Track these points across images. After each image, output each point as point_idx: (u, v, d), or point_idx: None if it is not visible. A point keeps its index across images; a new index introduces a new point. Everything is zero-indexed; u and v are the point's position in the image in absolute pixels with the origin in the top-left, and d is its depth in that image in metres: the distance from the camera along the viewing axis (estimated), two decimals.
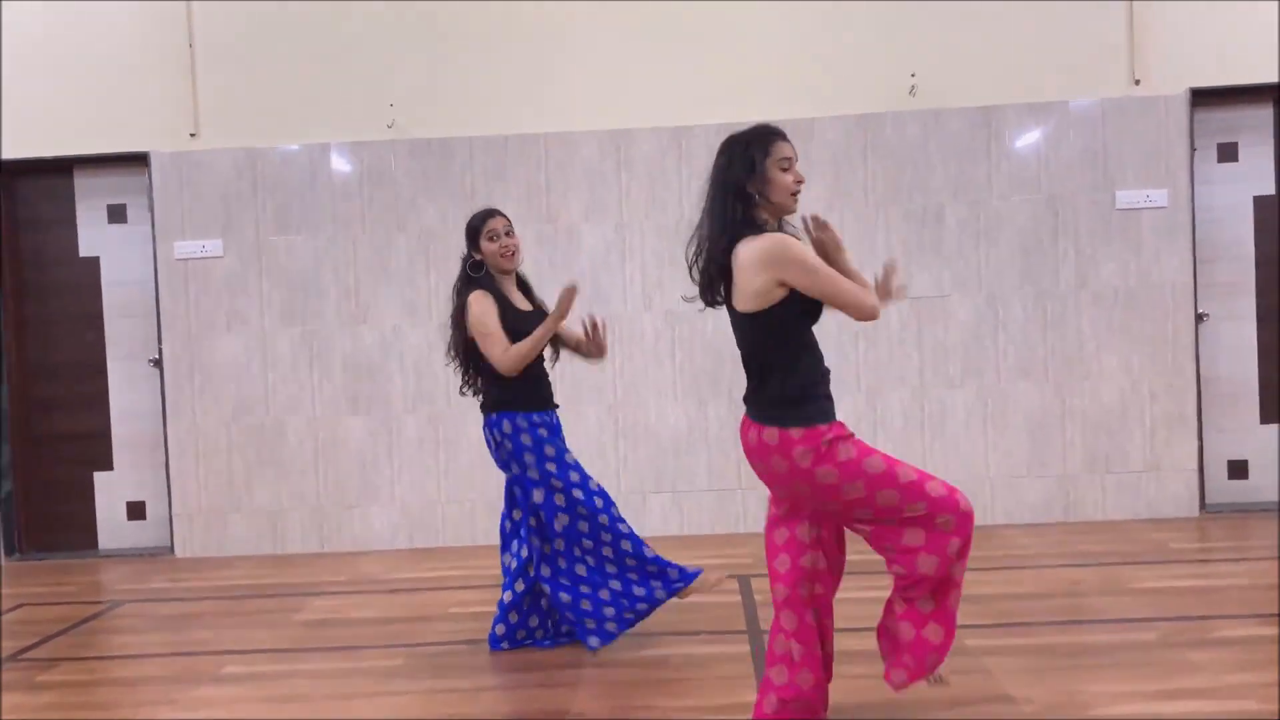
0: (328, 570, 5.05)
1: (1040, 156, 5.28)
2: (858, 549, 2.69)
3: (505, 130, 5.42)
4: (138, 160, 5.53)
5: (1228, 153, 5.36)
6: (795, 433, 2.44)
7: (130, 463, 5.74)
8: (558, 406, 3.62)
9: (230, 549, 5.52)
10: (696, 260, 2.61)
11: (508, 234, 3.53)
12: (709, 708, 2.98)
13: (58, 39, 5.46)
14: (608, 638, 3.42)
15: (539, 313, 3.57)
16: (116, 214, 5.69)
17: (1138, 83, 5.24)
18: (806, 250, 2.47)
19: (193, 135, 5.48)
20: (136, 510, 5.75)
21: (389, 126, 5.42)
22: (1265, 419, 5.40)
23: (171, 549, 5.58)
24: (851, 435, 2.49)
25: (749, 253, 2.45)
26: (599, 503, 3.48)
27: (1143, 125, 5.23)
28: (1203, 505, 5.29)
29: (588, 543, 3.47)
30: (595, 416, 5.41)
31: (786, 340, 2.52)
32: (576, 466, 3.52)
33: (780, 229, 2.58)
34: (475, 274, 3.52)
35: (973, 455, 5.35)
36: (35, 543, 5.73)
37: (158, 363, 5.56)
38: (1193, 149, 5.22)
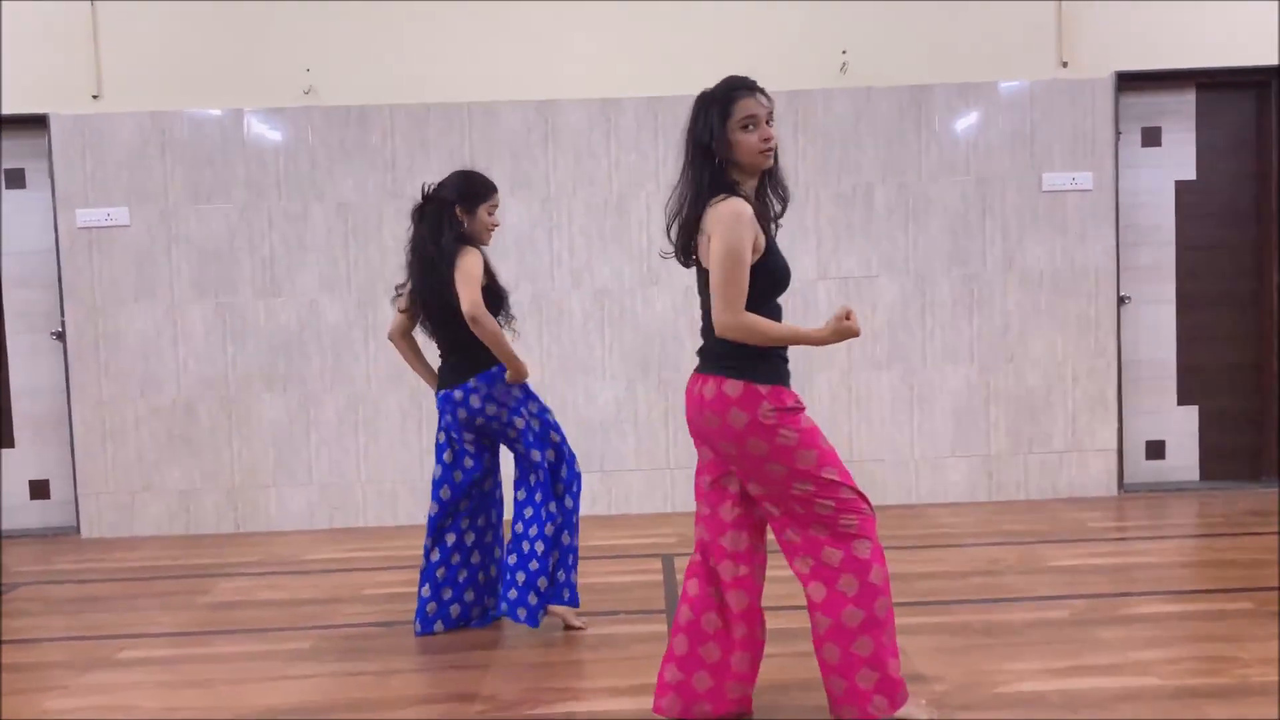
0: (240, 551, 4.88)
1: (969, 138, 5.28)
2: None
3: (427, 99, 5.26)
4: (36, 123, 5.25)
5: (1151, 137, 5.42)
6: (763, 388, 2.39)
7: (32, 440, 5.48)
8: None
9: (140, 529, 5.32)
10: (675, 218, 2.54)
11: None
12: (624, 688, 2.92)
13: None
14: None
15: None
16: (14, 179, 5.40)
17: (1065, 65, 5.26)
18: (743, 232, 2.37)
19: (95, 97, 5.22)
20: (40, 489, 5.51)
21: (305, 92, 5.23)
22: (1183, 400, 5.50)
23: (78, 529, 5.35)
24: (793, 408, 2.45)
25: (710, 216, 2.41)
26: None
27: (1069, 108, 5.26)
28: (1121, 485, 5.38)
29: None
30: None
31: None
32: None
33: (767, 185, 2.54)
34: (459, 242, 3.30)
35: (898, 437, 5.36)
36: None
37: (60, 336, 5.31)
38: (1118, 133, 5.26)
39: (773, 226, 2.55)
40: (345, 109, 5.23)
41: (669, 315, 5.24)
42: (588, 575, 4.05)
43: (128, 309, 5.27)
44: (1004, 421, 5.36)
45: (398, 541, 4.92)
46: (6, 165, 5.39)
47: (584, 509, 5.21)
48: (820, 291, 5.31)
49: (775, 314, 2.51)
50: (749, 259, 2.38)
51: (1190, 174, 5.43)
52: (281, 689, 3.04)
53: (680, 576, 4.03)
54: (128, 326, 5.28)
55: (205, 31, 5.21)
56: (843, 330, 2.40)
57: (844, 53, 5.24)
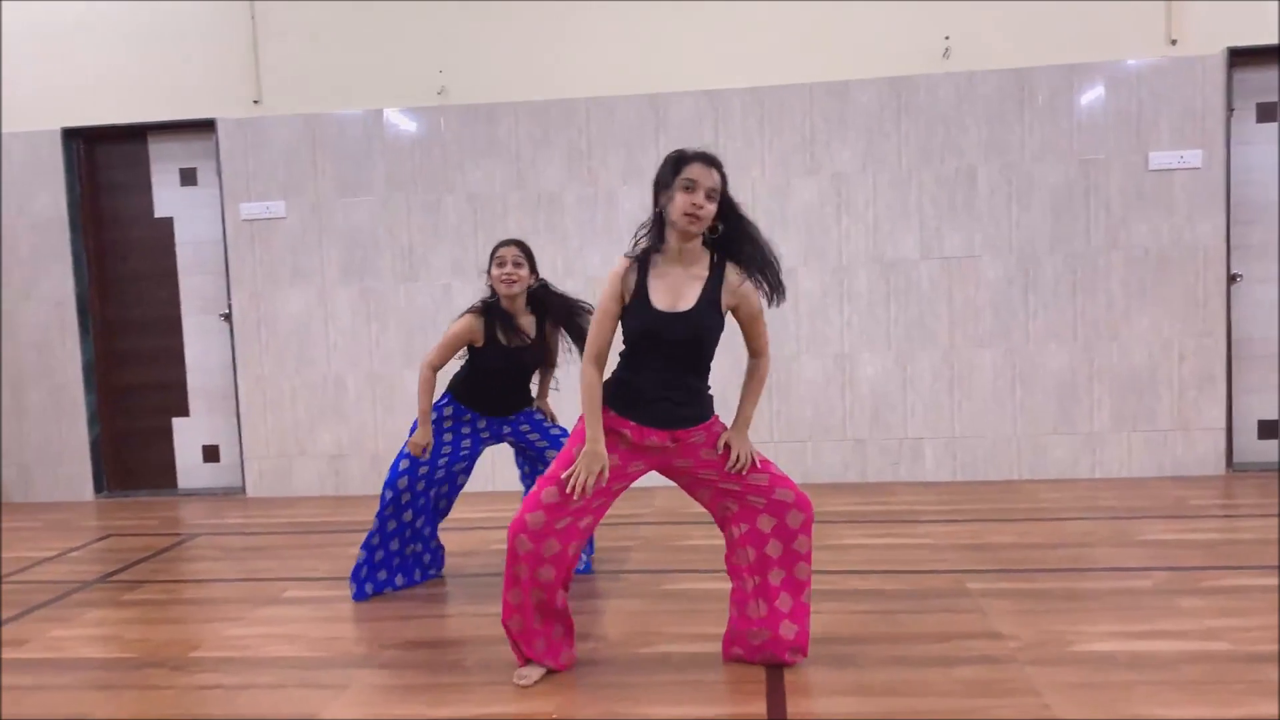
0: None
1: (1073, 118, 5.33)
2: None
3: (548, 95, 5.65)
4: (206, 126, 5.89)
5: (1267, 112, 5.34)
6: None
7: (205, 410, 6.18)
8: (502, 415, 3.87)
9: (296, 490, 5.95)
10: None
11: (516, 264, 3.63)
12: (706, 635, 3.23)
13: (131, 14, 5.83)
14: None
15: (528, 349, 3.72)
16: (188, 177, 6.08)
17: (1174, 43, 5.24)
18: (606, 289, 2.79)
19: (256, 102, 5.82)
20: (211, 453, 6.21)
21: (439, 93, 5.69)
22: None
23: (243, 489, 6.02)
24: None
25: None
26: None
27: (1178, 86, 5.24)
28: (1230, 464, 5.36)
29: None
30: None
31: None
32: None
33: (710, 251, 2.82)
34: (488, 300, 3.71)
35: (1000, 414, 5.49)
36: (120, 483, 6.24)
37: (227, 317, 5.97)
38: (1230, 109, 5.22)
39: (753, 284, 2.84)
40: (474, 107, 5.68)
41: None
42: (671, 539, 4.43)
43: (284, 293, 5.88)
44: (1108, 400, 5.42)
45: (514, 504, 5.36)
46: (181, 165, 6.06)
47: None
48: (924, 270, 5.47)
49: (649, 361, 2.80)
50: (607, 313, 2.80)
51: None
52: (424, 625, 3.50)
53: None
54: (284, 308, 5.89)
55: (349, 40, 5.73)
56: (585, 457, 2.76)
57: (946, 38, 5.36)
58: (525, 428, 3.88)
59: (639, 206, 5.59)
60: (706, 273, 2.80)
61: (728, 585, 3.03)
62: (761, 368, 2.98)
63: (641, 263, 2.81)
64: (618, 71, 5.60)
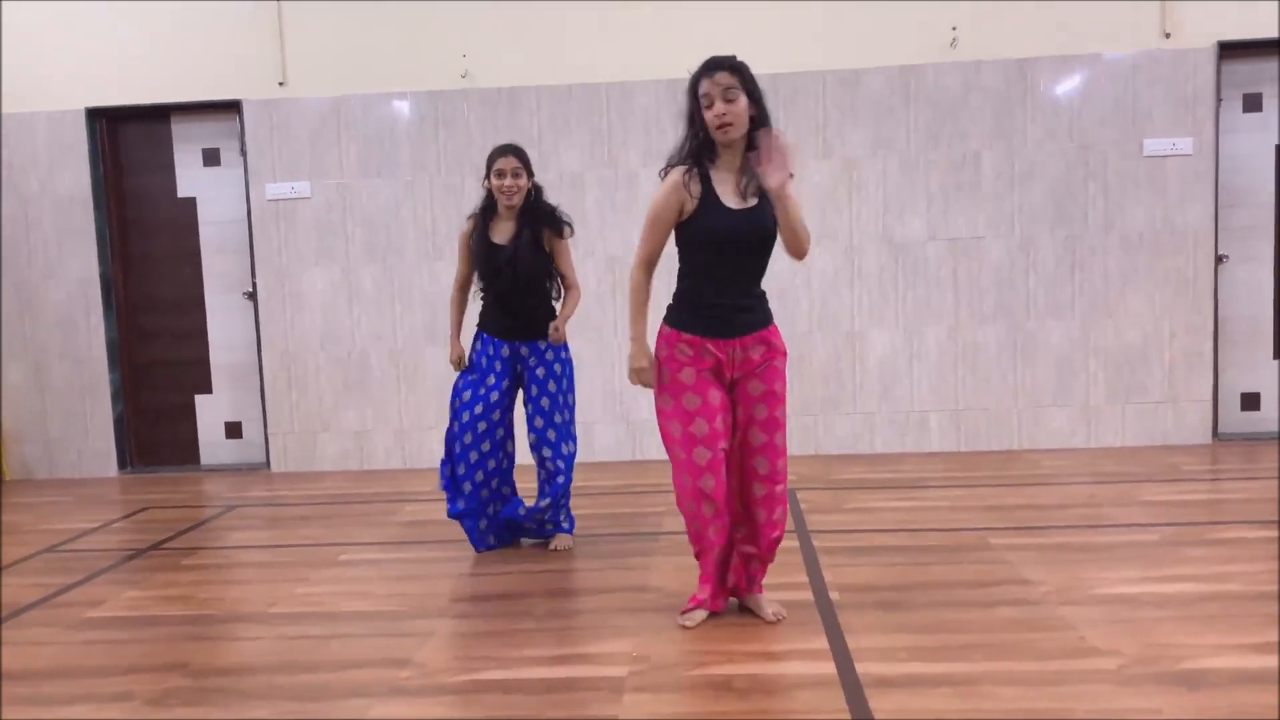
0: (412, 483, 5.60)
1: (1073, 106, 5.62)
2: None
3: (569, 80, 5.83)
4: (230, 107, 6.00)
5: (1252, 103, 5.67)
6: (664, 328, 3.01)
7: (227, 387, 6.30)
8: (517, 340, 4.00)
9: (321, 465, 6.10)
10: None
11: (514, 174, 3.84)
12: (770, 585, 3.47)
13: None
14: None
15: (513, 244, 3.86)
16: (211, 157, 6.18)
17: (1168, 36, 5.54)
18: (660, 198, 2.88)
19: (281, 84, 5.94)
20: (234, 430, 6.34)
21: (462, 76, 5.85)
22: (1278, 354, 5.78)
23: (267, 464, 6.16)
24: (676, 355, 2.97)
25: None
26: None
27: (1172, 77, 5.54)
28: (1215, 434, 5.71)
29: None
30: None
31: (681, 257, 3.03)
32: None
33: (750, 153, 2.88)
34: (485, 203, 3.97)
35: (1002, 386, 5.78)
36: (144, 458, 6.35)
37: (252, 295, 6.09)
38: (1219, 100, 5.53)
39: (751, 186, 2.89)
40: (497, 90, 5.84)
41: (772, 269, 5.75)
42: None
43: (309, 272, 6.01)
44: (1103, 374, 5.73)
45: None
46: (204, 145, 6.16)
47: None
48: (930, 251, 5.74)
49: (710, 267, 2.92)
50: (661, 221, 2.90)
51: None
52: (484, 581, 3.70)
53: (804, 508, 4.58)
54: (309, 287, 6.02)
55: (375, 23, 5.87)
56: (633, 370, 3.01)
57: (954, 29, 5.61)
58: (530, 357, 3.96)
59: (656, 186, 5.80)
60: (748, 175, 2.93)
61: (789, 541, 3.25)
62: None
63: (700, 170, 2.89)
64: (638, 57, 5.79)
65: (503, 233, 3.93)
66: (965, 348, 5.79)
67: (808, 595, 3.34)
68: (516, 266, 3.85)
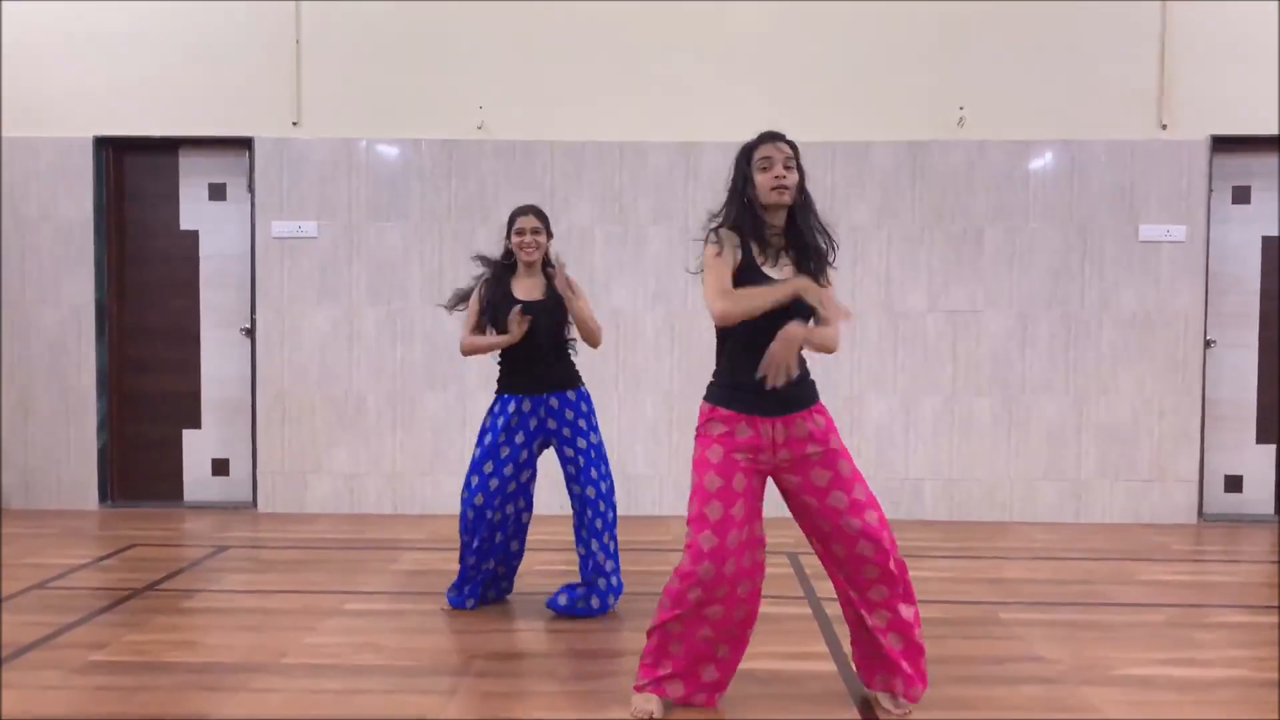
0: (406, 530, 5.53)
1: (1073, 189, 5.81)
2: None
3: (584, 136, 5.91)
4: (241, 144, 5.99)
5: (1241, 195, 5.90)
6: (704, 405, 2.94)
7: (216, 422, 6.20)
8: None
9: (309, 506, 6.01)
10: None
11: (534, 232, 3.90)
12: (786, 654, 3.48)
13: (174, 25, 5.92)
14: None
15: (540, 302, 3.91)
16: (217, 192, 6.14)
17: (1164, 127, 5.76)
18: (712, 250, 2.85)
19: (295, 124, 5.94)
20: (221, 466, 6.22)
21: (478, 127, 5.90)
22: (1261, 439, 5.95)
23: (254, 504, 6.05)
24: (708, 432, 2.90)
25: None
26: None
27: (1166, 166, 5.76)
28: (1200, 514, 5.84)
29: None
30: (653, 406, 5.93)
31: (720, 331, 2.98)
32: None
33: (790, 223, 2.94)
34: (505, 260, 4.02)
35: (995, 457, 5.88)
36: (125, 492, 6.20)
37: (249, 331, 6.03)
38: (1210, 190, 5.75)
39: (813, 264, 2.91)
40: (511, 143, 5.90)
41: None
42: None
43: (311, 310, 5.97)
44: (1094, 450, 5.85)
45: (546, 528, 5.51)
46: (211, 180, 6.13)
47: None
48: (929, 323, 5.86)
49: (750, 336, 2.81)
50: (719, 261, 2.82)
51: (1274, 230, 5.89)
52: (499, 639, 3.65)
53: (808, 571, 4.59)
54: (310, 325, 5.98)
55: (392, 70, 5.91)
56: (800, 289, 2.72)
57: (961, 108, 5.79)
58: (562, 409, 3.97)
59: (666, 246, 5.88)
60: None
61: (798, 609, 3.28)
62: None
63: (740, 239, 2.88)
64: (651, 118, 5.89)
65: (526, 289, 3.96)
66: (960, 418, 5.89)
67: (830, 667, 3.34)
68: (555, 317, 3.91)
